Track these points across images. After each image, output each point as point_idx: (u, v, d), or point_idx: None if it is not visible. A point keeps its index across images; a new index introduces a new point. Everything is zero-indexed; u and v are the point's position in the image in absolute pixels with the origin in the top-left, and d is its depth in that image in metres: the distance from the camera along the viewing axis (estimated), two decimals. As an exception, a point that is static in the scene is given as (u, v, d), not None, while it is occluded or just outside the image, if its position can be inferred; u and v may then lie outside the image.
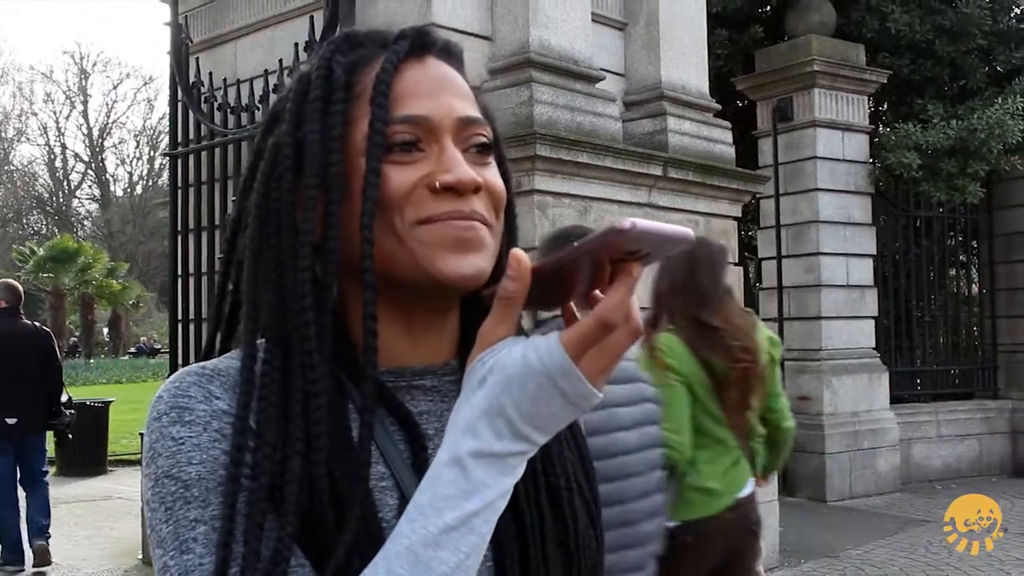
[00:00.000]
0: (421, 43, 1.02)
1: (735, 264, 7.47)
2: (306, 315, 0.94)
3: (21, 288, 7.97)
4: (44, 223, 53.89)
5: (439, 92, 0.99)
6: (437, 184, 0.95)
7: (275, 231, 0.97)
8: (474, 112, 1.01)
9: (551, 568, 1.01)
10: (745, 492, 3.59)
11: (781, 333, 10.48)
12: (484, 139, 1.01)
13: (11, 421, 7.37)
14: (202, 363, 0.99)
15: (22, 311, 7.78)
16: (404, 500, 0.94)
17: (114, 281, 38.12)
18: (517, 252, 0.87)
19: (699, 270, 3.56)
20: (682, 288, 3.56)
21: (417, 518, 0.84)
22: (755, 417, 3.71)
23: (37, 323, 8.12)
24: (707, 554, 3.54)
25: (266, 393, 0.93)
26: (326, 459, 0.91)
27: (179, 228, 6.92)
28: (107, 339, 46.76)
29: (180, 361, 6.76)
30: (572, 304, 0.93)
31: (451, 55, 1.05)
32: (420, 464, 0.97)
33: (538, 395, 0.83)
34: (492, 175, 1.01)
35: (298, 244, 0.95)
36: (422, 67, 1.00)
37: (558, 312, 0.95)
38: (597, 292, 0.89)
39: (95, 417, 12.58)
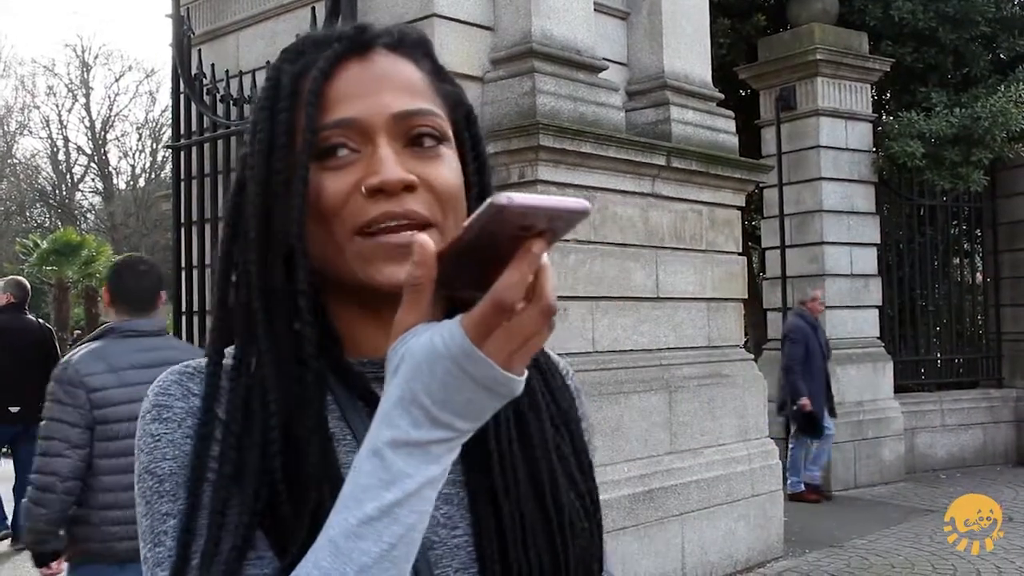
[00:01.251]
0: (360, 40, 1.01)
1: (740, 254, 7.48)
2: (256, 315, 0.98)
3: (29, 285, 8.38)
4: (47, 216, 53.88)
5: (374, 91, 0.98)
6: (363, 189, 0.95)
7: (242, 234, 1.01)
8: (415, 104, 0.99)
9: (532, 556, 0.99)
10: None
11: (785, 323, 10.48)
12: (428, 129, 1.00)
13: (14, 410, 7.88)
14: (186, 362, 1.03)
15: (27, 307, 8.24)
16: None
17: (118, 274, 38.12)
18: (420, 237, 0.84)
19: None
20: None
21: (341, 510, 0.83)
22: None
23: (40, 320, 8.48)
24: None
25: (233, 387, 0.97)
26: (280, 452, 0.93)
27: (182, 220, 6.91)
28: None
29: (207, 352, 6.76)
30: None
31: (404, 46, 1.03)
32: None
33: (447, 380, 0.80)
34: (436, 170, 0.99)
35: (244, 250, 1.00)
36: (363, 65, 1.00)
37: None
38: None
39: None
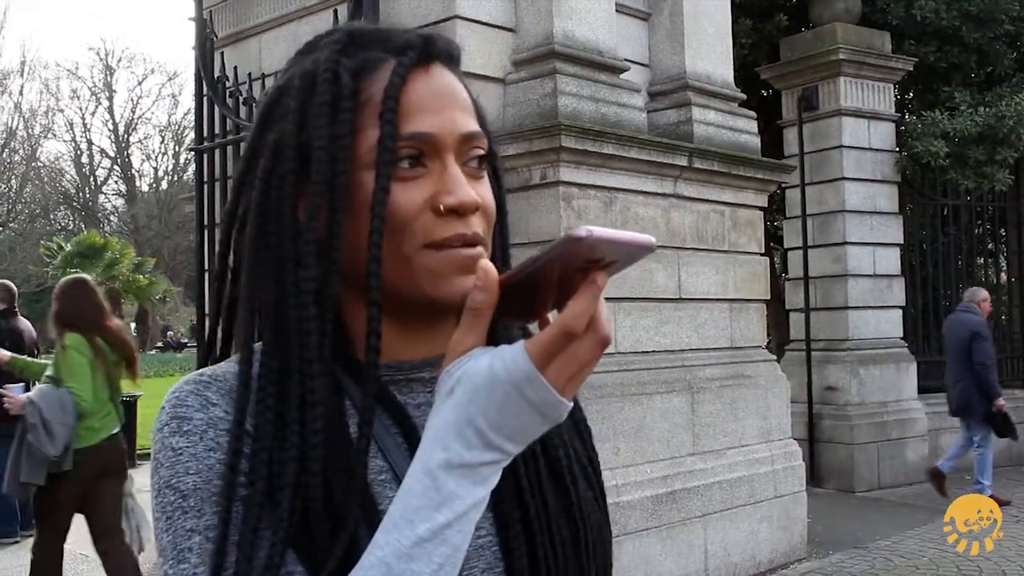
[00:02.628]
0: (427, 52, 1.01)
1: (762, 254, 7.46)
2: (309, 323, 0.94)
3: (15, 287, 8.75)
4: (71, 219, 54.22)
5: (444, 107, 0.99)
6: (441, 207, 0.96)
7: (275, 230, 0.98)
8: (475, 126, 1.01)
9: (556, 542, 1.02)
10: (116, 430, 5.99)
11: (808, 323, 10.45)
12: (481, 152, 1.02)
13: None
14: (200, 370, 1.01)
15: (16, 308, 8.66)
16: None
17: (141, 276, 38.33)
18: (484, 263, 0.87)
19: (85, 299, 5.87)
20: (79, 307, 5.83)
21: (391, 530, 0.84)
22: (119, 385, 6.03)
23: (29, 320, 8.98)
24: (92, 465, 5.78)
25: (263, 397, 0.93)
26: (321, 468, 0.91)
27: (205, 223, 6.94)
28: (134, 334, 47.07)
29: (199, 361, 6.80)
30: (548, 316, 0.93)
31: (453, 60, 1.05)
32: None
33: (505, 404, 0.83)
34: (486, 191, 1.02)
35: (300, 247, 0.96)
36: (427, 77, 1.00)
37: None
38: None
39: (123, 411, 12.66)
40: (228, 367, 1.00)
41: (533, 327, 0.94)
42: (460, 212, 0.96)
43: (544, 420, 0.85)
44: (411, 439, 0.99)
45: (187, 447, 0.93)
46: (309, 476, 0.91)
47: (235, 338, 1.00)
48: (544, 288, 0.87)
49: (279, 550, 0.88)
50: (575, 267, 0.83)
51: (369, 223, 0.94)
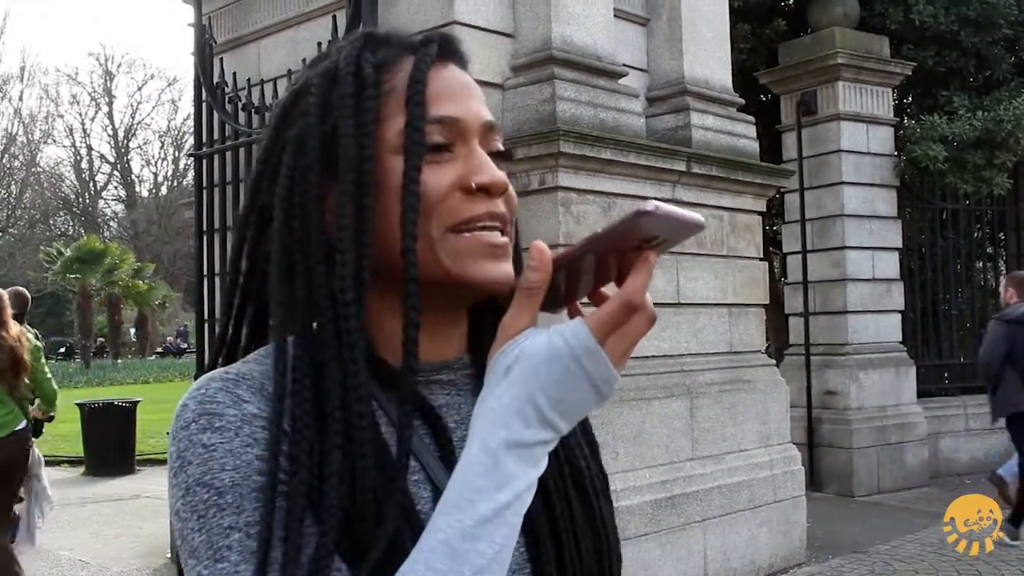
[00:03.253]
0: (446, 48, 1.04)
1: (761, 259, 7.46)
2: (349, 308, 0.93)
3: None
4: (71, 224, 54.28)
5: (466, 96, 1.02)
6: (473, 184, 0.97)
7: (301, 225, 0.97)
8: (493, 117, 1.04)
9: (583, 548, 1.03)
10: (20, 427, 6.04)
11: (807, 327, 10.45)
12: (500, 146, 1.04)
13: None
14: (224, 368, 0.99)
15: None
16: (437, 492, 0.95)
17: (140, 282, 38.34)
18: (539, 244, 0.89)
19: None
20: None
21: (451, 511, 0.84)
22: (23, 385, 6.19)
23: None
24: None
25: (299, 389, 0.92)
26: (368, 452, 0.90)
27: (204, 228, 6.96)
28: (134, 339, 47.05)
29: (207, 361, 6.80)
30: (578, 305, 0.96)
31: (464, 62, 1.07)
32: (447, 456, 0.99)
33: (565, 379, 0.85)
34: (507, 178, 1.04)
35: (334, 235, 0.96)
36: (447, 71, 1.03)
37: None
38: (603, 290, 0.92)
39: (123, 417, 12.68)
40: (252, 366, 0.98)
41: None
42: (491, 191, 0.98)
43: (598, 396, 0.87)
44: (439, 439, 1.00)
45: (221, 443, 0.90)
46: (357, 460, 0.90)
47: (273, 334, 0.97)
48: (578, 277, 0.90)
49: (328, 549, 0.86)
50: (621, 250, 0.86)
51: (399, 207, 0.94)
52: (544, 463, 0.87)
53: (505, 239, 0.99)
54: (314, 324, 0.96)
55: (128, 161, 54.96)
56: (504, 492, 0.84)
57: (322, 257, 0.96)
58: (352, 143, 0.96)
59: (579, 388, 0.85)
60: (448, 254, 0.96)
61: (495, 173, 0.98)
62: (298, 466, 0.89)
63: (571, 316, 0.95)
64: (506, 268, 0.98)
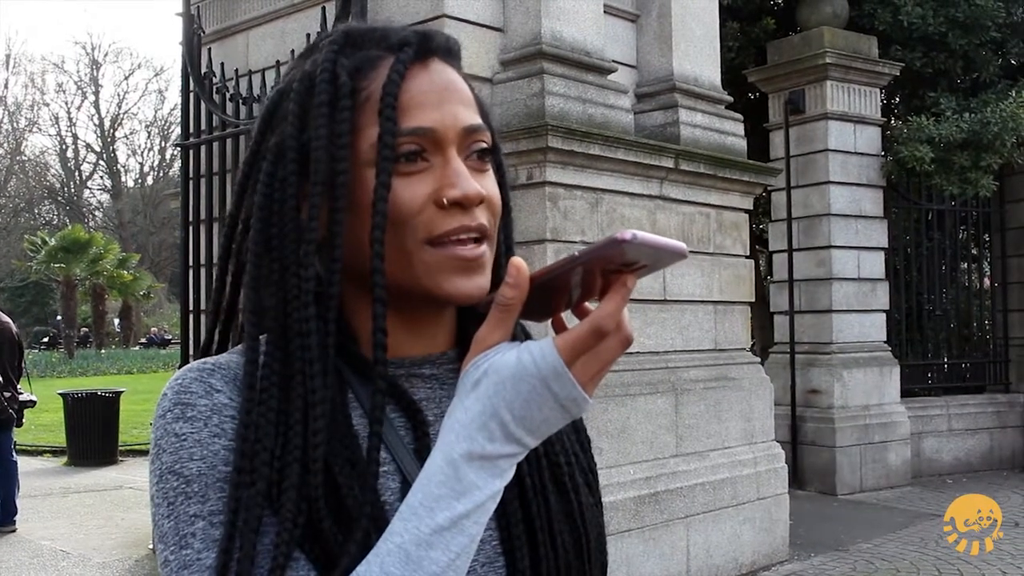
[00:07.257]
0: (425, 48, 1.01)
1: (747, 257, 7.48)
2: (308, 324, 0.94)
3: None
4: (56, 213, 54.06)
5: (444, 101, 0.99)
6: (444, 200, 0.96)
7: (278, 233, 0.98)
8: (476, 119, 1.01)
9: (559, 542, 1.03)
10: None
11: (792, 326, 10.49)
12: (484, 145, 1.02)
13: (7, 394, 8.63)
14: (203, 359, 1.01)
15: None
16: (406, 484, 0.96)
17: (125, 272, 38.21)
18: (517, 261, 0.88)
19: None
20: None
21: (410, 517, 0.86)
22: None
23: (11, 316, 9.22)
24: None
25: (265, 398, 0.93)
26: (324, 467, 0.92)
27: (190, 219, 6.93)
28: (118, 329, 46.90)
29: (192, 352, 6.78)
30: (562, 316, 0.96)
31: (452, 55, 1.05)
32: (422, 450, 0.99)
33: (531, 397, 0.85)
34: (490, 183, 1.02)
35: (301, 248, 0.96)
36: (427, 73, 1.00)
37: None
38: (587, 304, 0.92)
39: (106, 407, 12.64)
40: (231, 357, 1.00)
41: (532, 326, 0.95)
42: (464, 205, 0.96)
43: (565, 415, 0.87)
44: (417, 432, 1.01)
45: (191, 433, 0.93)
46: (311, 476, 0.91)
47: (244, 339, 0.99)
48: (565, 289, 0.89)
49: (284, 551, 0.88)
50: (606, 270, 0.86)
51: (371, 220, 0.94)
52: (510, 474, 0.88)
53: (482, 249, 0.98)
54: (284, 327, 0.97)
55: (114, 151, 54.74)
56: (463, 502, 0.85)
57: (295, 268, 0.96)
58: (324, 156, 0.96)
59: (545, 406, 0.86)
60: (422, 267, 0.96)
61: (468, 186, 0.96)
62: (257, 475, 0.90)
63: (555, 328, 0.95)
64: (479, 282, 0.97)
